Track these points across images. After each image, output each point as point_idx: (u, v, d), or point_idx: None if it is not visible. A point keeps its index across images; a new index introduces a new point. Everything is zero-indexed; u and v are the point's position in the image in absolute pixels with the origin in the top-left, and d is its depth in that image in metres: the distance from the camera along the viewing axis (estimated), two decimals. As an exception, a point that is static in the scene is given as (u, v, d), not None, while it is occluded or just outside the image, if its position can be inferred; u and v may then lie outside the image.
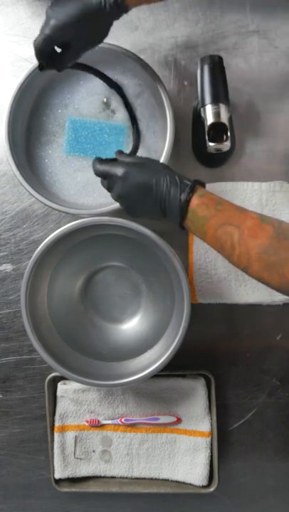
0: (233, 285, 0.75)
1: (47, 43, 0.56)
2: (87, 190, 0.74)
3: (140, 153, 0.73)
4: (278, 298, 0.75)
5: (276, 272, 0.50)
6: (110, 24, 0.58)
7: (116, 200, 0.61)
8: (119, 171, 0.58)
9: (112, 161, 0.61)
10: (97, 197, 0.74)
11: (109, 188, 0.61)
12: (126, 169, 0.58)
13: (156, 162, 0.60)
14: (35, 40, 0.57)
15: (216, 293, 0.76)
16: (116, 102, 0.73)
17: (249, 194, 0.74)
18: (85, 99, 0.74)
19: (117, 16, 0.57)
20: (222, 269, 0.75)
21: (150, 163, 0.59)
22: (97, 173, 0.61)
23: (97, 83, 0.73)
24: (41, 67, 0.59)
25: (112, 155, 0.73)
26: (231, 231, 0.52)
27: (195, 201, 0.55)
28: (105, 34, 0.59)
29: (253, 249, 0.51)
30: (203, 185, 0.58)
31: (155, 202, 0.57)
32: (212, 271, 0.75)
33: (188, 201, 0.55)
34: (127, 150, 0.73)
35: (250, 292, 0.75)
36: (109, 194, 0.64)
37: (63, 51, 0.58)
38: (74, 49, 0.58)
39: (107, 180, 0.61)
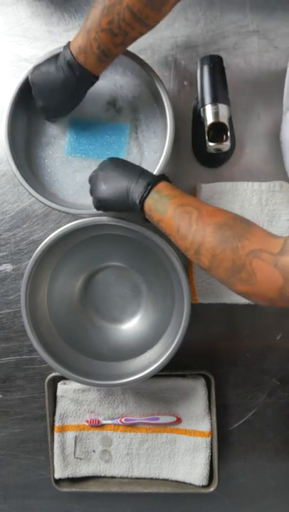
0: (233, 285, 0.75)
1: (49, 120, 0.73)
2: (86, 190, 0.74)
3: (140, 153, 0.73)
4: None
5: (230, 247, 0.50)
6: (88, 88, 0.67)
7: (91, 181, 0.65)
8: (107, 159, 0.65)
9: None
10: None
11: (92, 174, 0.66)
12: (112, 158, 0.65)
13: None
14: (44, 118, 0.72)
15: (215, 293, 0.76)
16: (122, 101, 0.73)
17: (249, 194, 0.74)
18: (87, 99, 0.73)
19: (91, 83, 0.66)
20: (222, 269, 0.75)
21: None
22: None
23: (101, 82, 0.72)
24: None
25: (113, 155, 0.73)
26: (191, 211, 0.54)
27: (162, 184, 0.59)
28: (84, 94, 0.68)
29: (210, 226, 0.52)
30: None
31: (125, 184, 0.60)
32: (212, 271, 0.75)
33: (155, 183, 0.59)
34: (129, 152, 0.73)
35: (250, 292, 0.75)
36: None
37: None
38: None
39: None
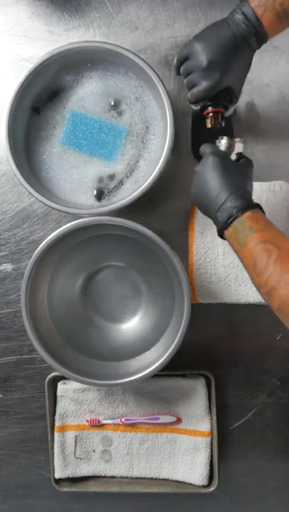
0: (233, 285, 0.75)
1: (214, 89, 0.62)
2: (83, 187, 0.73)
3: (140, 153, 0.73)
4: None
5: None
6: (254, 52, 0.62)
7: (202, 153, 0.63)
8: (211, 155, 0.61)
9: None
10: (90, 196, 0.73)
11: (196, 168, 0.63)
12: (215, 156, 0.60)
13: (250, 172, 0.62)
14: (207, 89, 0.62)
15: (215, 293, 0.76)
16: (125, 105, 0.73)
17: (249, 194, 0.74)
18: (91, 96, 0.73)
19: (260, 43, 0.61)
20: (222, 269, 0.75)
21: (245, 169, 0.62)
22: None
23: (106, 83, 0.73)
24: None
25: (106, 155, 0.73)
26: (271, 249, 0.52)
27: (248, 213, 0.56)
28: (250, 60, 0.63)
29: (288, 272, 0.50)
30: (263, 213, 0.59)
31: (217, 192, 0.58)
32: (212, 271, 0.75)
33: (243, 210, 0.55)
34: (124, 153, 0.73)
35: (250, 292, 0.75)
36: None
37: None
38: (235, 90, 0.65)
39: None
